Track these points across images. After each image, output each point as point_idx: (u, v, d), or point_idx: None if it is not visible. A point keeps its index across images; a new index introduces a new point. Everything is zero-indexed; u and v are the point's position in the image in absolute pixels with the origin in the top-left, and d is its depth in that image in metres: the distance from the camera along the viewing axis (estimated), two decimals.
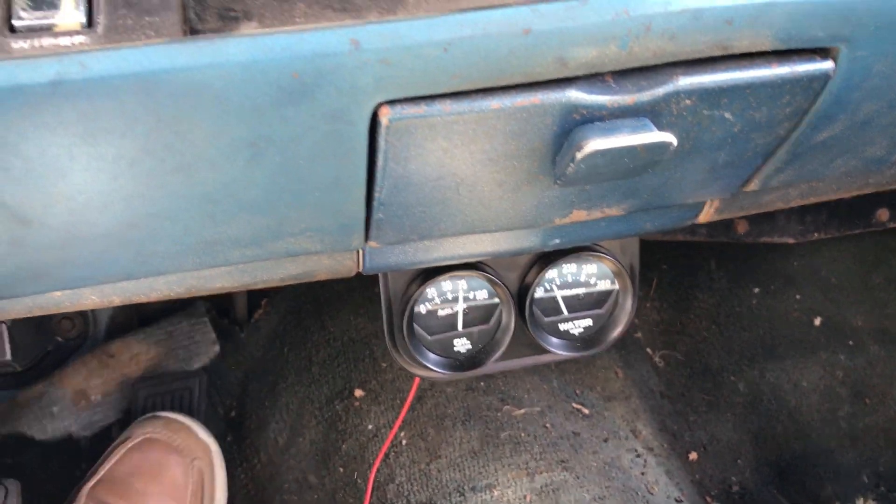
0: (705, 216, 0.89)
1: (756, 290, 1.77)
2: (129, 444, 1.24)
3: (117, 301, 0.75)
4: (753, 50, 0.62)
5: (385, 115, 0.57)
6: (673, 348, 1.72)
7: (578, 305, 1.01)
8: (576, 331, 1.02)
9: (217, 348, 1.52)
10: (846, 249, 1.78)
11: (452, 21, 0.54)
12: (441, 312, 0.97)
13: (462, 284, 0.96)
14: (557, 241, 0.86)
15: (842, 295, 1.74)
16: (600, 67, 0.59)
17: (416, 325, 0.97)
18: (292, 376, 1.53)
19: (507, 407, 1.42)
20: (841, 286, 1.75)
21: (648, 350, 1.72)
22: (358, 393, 1.47)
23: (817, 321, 1.72)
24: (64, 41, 0.50)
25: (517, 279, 0.98)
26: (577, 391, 1.53)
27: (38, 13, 0.51)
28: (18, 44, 0.50)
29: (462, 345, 0.99)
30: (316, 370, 1.52)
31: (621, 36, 0.57)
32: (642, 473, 1.41)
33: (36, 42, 0.50)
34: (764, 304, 1.75)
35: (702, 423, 1.61)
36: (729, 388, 1.66)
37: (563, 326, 1.01)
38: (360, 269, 0.83)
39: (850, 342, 1.68)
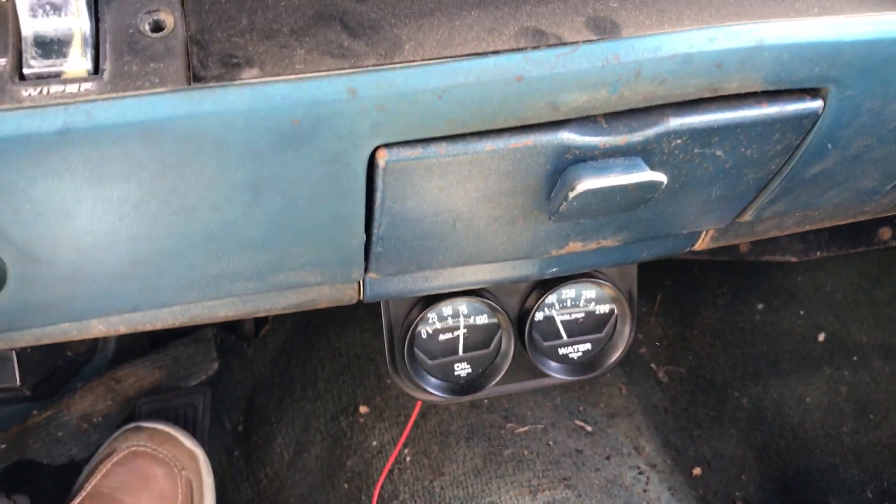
0: (701, 244, 0.90)
1: (760, 305, 1.77)
2: (115, 458, 1.23)
3: (123, 330, 0.77)
4: (743, 91, 0.63)
5: (382, 158, 0.59)
6: (677, 364, 1.73)
7: (578, 330, 1.02)
8: (575, 355, 1.03)
9: (215, 366, 1.53)
10: (850, 265, 1.78)
11: (447, 69, 0.55)
12: (441, 337, 0.99)
13: (462, 310, 0.98)
14: (555, 269, 0.87)
15: (846, 311, 1.74)
16: (592, 111, 0.60)
17: (416, 350, 0.98)
18: (298, 392, 1.55)
19: (511, 424, 1.44)
20: (845, 302, 1.75)
21: (652, 366, 1.73)
22: (363, 409, 1.48)
23: (821, 337, 1.72)
24: (71, 88, 0.52)
25: (517, 304, 0.99)
26: (580, 408, 1.54)
27: (47, 61, 0.53)
28: (28, 91, 0.52)
29: (462, 369, 1.00)
30: (322, 386, 1.54)
31: (612, 82, 0.58)
32: (645, 491, 1.42)
33: (44, 89, 0.52)
34: (768, 320, 1.75)
35: (706, 439, 1.62)
36: (733, 403, 1.66)
37: (562, 350, 1.03)
38: (362, 298, 0.84)
39: (854, 358, 1.68)
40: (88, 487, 1.20)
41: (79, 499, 1.18)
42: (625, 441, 1.52)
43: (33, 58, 0.53)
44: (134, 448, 1.24)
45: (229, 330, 1.64)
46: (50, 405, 1.42)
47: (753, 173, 0.72)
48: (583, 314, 1.02)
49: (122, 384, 1.46)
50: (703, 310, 1.79)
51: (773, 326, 1.74)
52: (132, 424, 1.31)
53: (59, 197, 0.56)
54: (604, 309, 1.02)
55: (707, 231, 0.89)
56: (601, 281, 0.97)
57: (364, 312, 1.62)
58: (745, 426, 1.63)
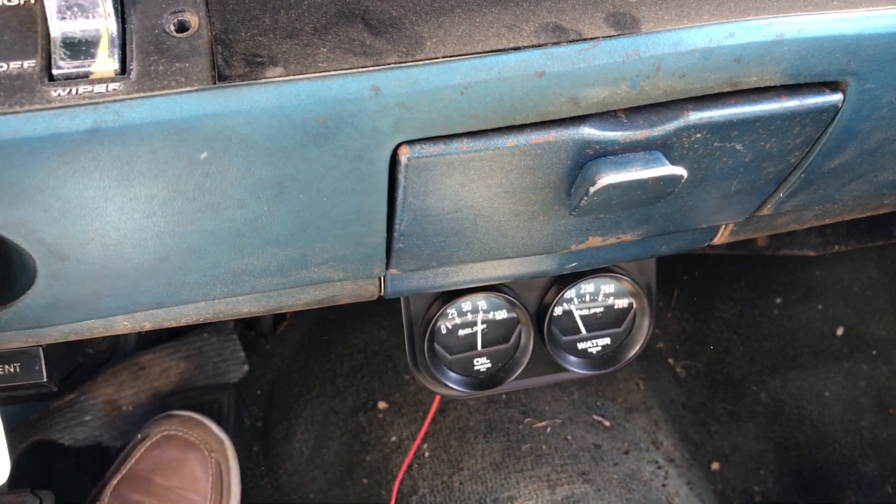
0: (720, 238, 0.90)
1: (778, 300, 1.77)
2: (148, 443, 1.30)
3: (148, 326, 0.78)
4: (762, 85, 0.63)
5: (404, 154, 0.60)
6: (694, 358, 1.73)
7: (596, 324, 1.03)
8: (594, 349, 1.04)
9: (246, 367, 1.56)
10: (869, 259, 1.77)
11: (469, 66, 0.56)
12: (461, 332, 0.99)
13: (481, 305, 0.98)
14: (574, 264, 0.87)
15: (864, 304, 1.74)
16: (612, 106, 0.61)
17: (436, 345, 0.99)
18: (317, 388, 1.56)
19: (529, 419, 1.44)
20: (864, 296, 1.75)
21: (670, 360, 1.73)
22: (381, 405, 1.49)
23: (839, 331, 1.72)
24: (99, 88, 0.53)
25: (536, 299, 0.99)
26: (598, 403, 1.54)
27: (76, 62, 0.54)
28: (57, 91, 0.53)
29: (482, 364, 1.01)
30: (340, 382, 1.55)
31: (632, 77, 0.59)
32: (663, 485, 1.42)
33: (73, 89, 0.53)
34: (786, 314, 1.75)
35: (724, 434, 1.62)
36: (751, 397, 1.66)
37: (581, 345, 1.03)
38: (382, 294, 0.85)
39: (873, 352, 1.68)
40: (124, 470, 1.26)
41: (115, 480, 1.25)
42: (643, 436, 1.52)
43: (62, 59, 0.54)
44: (166, 432, 1.31)
45: (248, 326, 1.65)
46: (73, 391, 1.45)
47: (773, 166, 0.72)
48: (602, 309, 1.02)
49: (147, 371, 1.49)
50: (721, 304, 1.79)
51: (791, 321, 1.74)
52: (164, 413, 1.37)
53: (88, 195, 0.57)
54: (622, 303, 1.03)
55: (726, 225, 0.89)
56: (620, 275, 0.98)
57: (381, 309, 1.63)
58: (764, 421, 1.63)
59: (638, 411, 1.58)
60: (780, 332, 1.73)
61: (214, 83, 0.54)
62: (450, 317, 0.98)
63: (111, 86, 0.53)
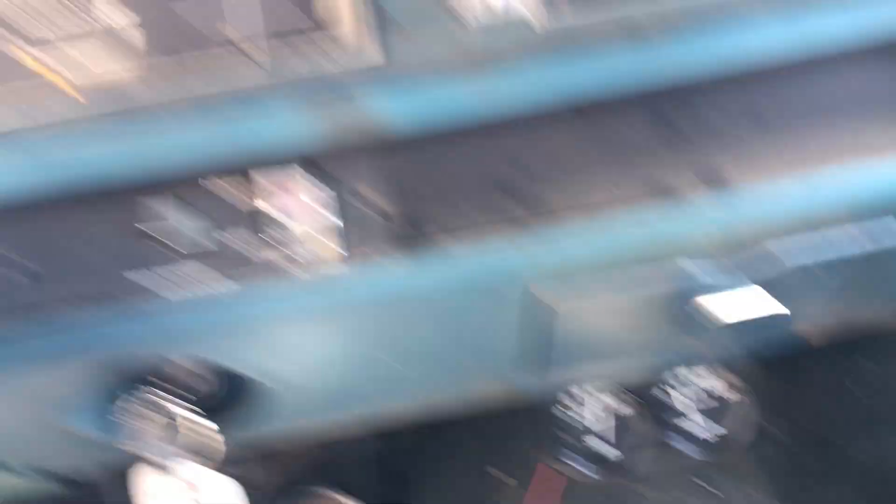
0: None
1: (869, 363, 1.78)
2: None
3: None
4: (836, 221, 0.73)
5: (538, 294, 0.74)
6: (789, 419, 1.75)
7: (705, 413, 1.14)
8: (705, 435, 1.15)
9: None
10: None
11: (587, 226, 0.69)
12: (586, 422, 1.12)
13: (603, 398, 1.11)
14: (682, 362, 0.99)
15: None
16: (708, 249, 0.73)
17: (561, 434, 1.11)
18: (444, 462, 1.64)
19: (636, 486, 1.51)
20: None
21: (765, 422, 1.76)
22: (508, 481, 1.57)
23: None
24: (327, 271, 0.68)
25: (650, 390, 1.12)
26: (701, 468, 1.59)
27: (311, 251, 0.68)
28: (299, 274, 0.67)
29: (605, 450, 1.13)
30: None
31: (722, 226, 0.71)
32: None
33: (310, 272, 0.68)
34: (877, 376, 1.76)
35: (822, 494, 1.65)
36: (846, 458, 1.68)
37: (691, 431, 1.15)
38: (517, 393, 0.98)
39: None
40: None
41: None
42: (740, 497, 1.57)
43: (300, 248, 0.68)
44: None
45: None
46: None
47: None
48: (707, 398, 1.14)
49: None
50: (812, 365, 1.80)
51: (883, 383, 1.75)
52: (305, 489, 1.41)
53: (309, 345, 0.74)
54: (727, 394, 1.14)
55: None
56: (723, 371, 1.09)
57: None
58: (860, 480, 1.65)
59: (735, 472, 1.62)
60: (873, 394, 1.74)
61: (405, 257, 0.68)
62: (575, 410, 1.11)
63: (336, 268, 0.68)
